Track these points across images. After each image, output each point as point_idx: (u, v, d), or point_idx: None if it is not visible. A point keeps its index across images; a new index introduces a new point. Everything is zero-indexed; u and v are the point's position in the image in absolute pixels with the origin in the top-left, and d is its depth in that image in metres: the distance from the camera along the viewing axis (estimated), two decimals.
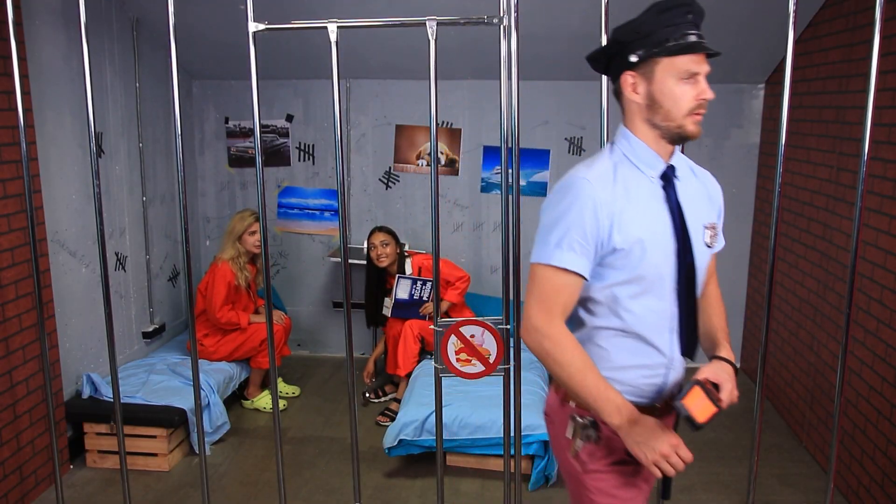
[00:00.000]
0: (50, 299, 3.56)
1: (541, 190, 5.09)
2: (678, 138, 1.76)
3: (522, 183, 5.07)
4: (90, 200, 3.88)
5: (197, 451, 3.85)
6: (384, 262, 4.50)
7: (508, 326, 2.31)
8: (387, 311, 4.57)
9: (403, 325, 4.44)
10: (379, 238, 4.50)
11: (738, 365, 5.28)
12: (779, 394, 4.42)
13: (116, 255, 4.26)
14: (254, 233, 4.32)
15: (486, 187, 5.14)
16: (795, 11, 1.95)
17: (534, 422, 3.56)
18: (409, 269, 4.55)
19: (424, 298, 4.46)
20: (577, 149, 5.03)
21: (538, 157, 5.06)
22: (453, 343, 2.31)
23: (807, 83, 4.11)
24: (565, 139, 5.03)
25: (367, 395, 4.64)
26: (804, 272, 4.09)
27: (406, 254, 4.62)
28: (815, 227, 3.96)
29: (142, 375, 4.12)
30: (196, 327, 4.31)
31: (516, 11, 2.08)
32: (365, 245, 4.59)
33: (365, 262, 4.86)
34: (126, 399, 3.79)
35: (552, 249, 1.66)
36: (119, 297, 4.30)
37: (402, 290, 4.46)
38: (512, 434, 2.41)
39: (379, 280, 4.64)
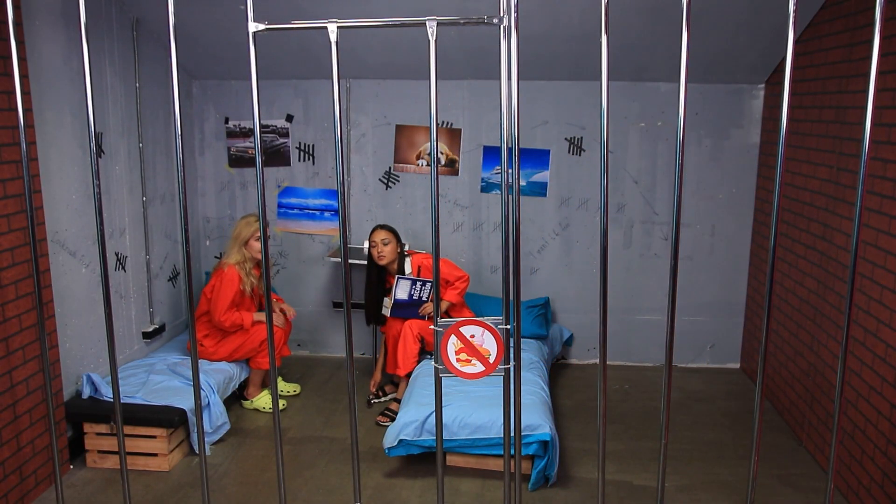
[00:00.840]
0: (50, 299, 3.56)
1: (541, 190, 5.09)
2: None
3: (522, 183, 5.06)
4: (90, 200, 3.88)
5: (197, 451, 3.85)
6: (384, 261, 4.49)
7: (508, 326, 2.31)
8: (386, 311, 4.56)
9: (403, 325, 4.44)
10: (380, 236, 4.49)
11: (738, 365, 5.30)
12: (779, 394, 4.42)
13: (116, 255, 4.26)
14: (259, 238, 4.30)
15: (486, 187, 5.13)
16: (795, 11, 1.94)
17: (534, 422, 3.56)
18: (408, 269, 4.55)
19: (424, 299, 4.46)
20: (577, 149, 5.03)
21: (538, 157, 5.06)
22: (453, 343, 2.31)
23: (807, 83, 4.11)
24: (565, 139, 5.03)
25: (371, 399, 4.64)
26: (804, 272, 4.09)
27: (406, 253, 4.62)
28: (815, 227, 3.96)
29: (142, 375, 4.12)
30: (196, 328, 4.32)
31: (516, 11, 2.07)
32: (366, 244, 4.59)
33: (365, 262, 4.87)
34: (126, 399, 3.79)
35: None
36: (119, 297, 4.30)
37: (401, 291, 4.46)
38: (512, 434, 2.41)
39: (379, 278, 4.64)
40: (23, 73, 2.73)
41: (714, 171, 4.99)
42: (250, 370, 4.49)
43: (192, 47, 4.61)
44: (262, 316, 4.38)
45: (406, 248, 4.78)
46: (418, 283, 4.44)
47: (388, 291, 4.58)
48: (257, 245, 4.31)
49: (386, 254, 4.47)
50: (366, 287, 4.70)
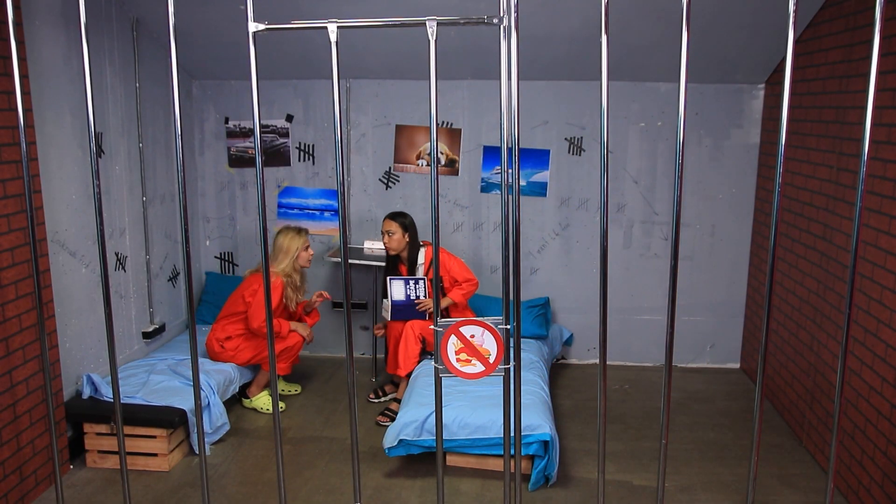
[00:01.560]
0: (50, 299, 3.56)
1: (541, 190, 5.09)
2: None
3: (522, 183, 5.06)
4: (90, 200, 3.88)
5: (197, 451, 3.85)
6: (392, 251, 4.51)
7: (508, 326, 2.31)
8: (386, 315, 4.54)
9: (405, 325, 4.44)
10: (386, 226, 4.50)
11: (738, 365, 5.29)
12: (779, 394, 4.42)
13: (116, 255, 4.26)
14: (307, 247, 4.42)
15: (486, 187, 5.13)
16: (795, 11, 1.95)
17: (534, 422, 3.56)
18: (421, 259, 4.54)
19: (421, 296, 4.45)
20: (577, 149, 5.03)
21: (538, 157, 5.06)
22: (453, 343, 2.31)
23: (807, 83, 4.11)
24: (565, 139, 5.03)
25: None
26: (804, 272, 4.09)
27: (421, 243, 4.59)
28: (815, 227, 3.96)
29: (142, 375, 4.12)
30: (221, 328, 4.35)
31: (516, 11, 2.07)
32: (367, 244, 4.60)
33: (365, 262, 4.87)
34: (126, 399, 3.79)
35: None
36: (119, 297, 4.30)
37: (396, 292, 4.45)
38: (512, 434, 2.41)
39: (393, 266, 4.63)
40: (23, 73, 2.73)
41: (714, 171, 4.99)
42: (258, 371, 4.50)
43: (192, 47, 4.61)
44: (297, 325, 4.47)
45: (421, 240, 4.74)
46: (412, 282, 4.43)
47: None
48: (306, 255, 4.42)
49: (392, 245, 4.49)
50: (384, 272, 4.71)
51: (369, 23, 2.31)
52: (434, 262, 2.26)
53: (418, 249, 4.55)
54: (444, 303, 4.43)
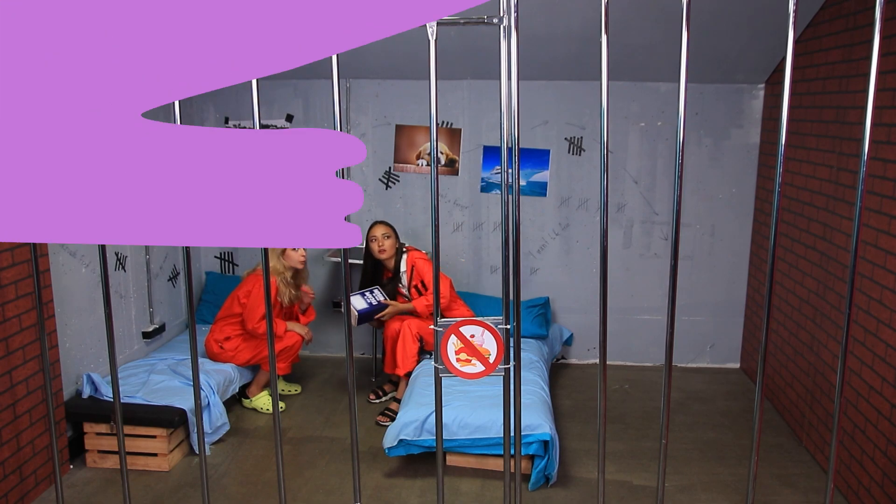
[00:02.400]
0: (50, 299, 3.56)
1: (541, 190, 5.09)
2: None
3: (522, 183, 5.06)
4: None
5: (197, 451, 3.85)
6: (385, 255, 4.51)
7: (508, 326, 2.31)
8: (354, 321, 4.52)
9: (402, 324, 4.44)
10: (381, 231, 4.51)
11: (738, 365, 5.29)
12: (779, 394, 4.42)
13: (116, 255, 4.26)
14: (296, 248, 4.36)
15: (486, 187, 5.13)
16: (795, 11, 1.94)
17: (534, 422, 3.57)
18: (403, 266, 4.56)
19: (381, 300, 4.49)
20: (577, 149, 5.03)
21: (538, 157, 5.06)
22: (453, 343, 2.30)
23: (807, 83, 4.11)
24: (565, 139, 5.03)
25: (370, 395, 4.65)
26: (804, 272, 4.09)
27: (403, 249, 4.62)
28: (815, 227, 3.96)
29: (142, 375, 4.12)
30: (219, 329, 4.35)
31: (516, 11, 2.07)
32: (363, 243, 4.60)
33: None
34: (126, 399, 3.79)
35: None
36: (119, 297, 4.30)
37: (358, 304, 4.48)
38: (512, 434, 2.41)
39: (375, 272, 4.65)
40: None
41: (714, 171, 4.99)
42: (258, 371, 4.50)
43: None
44: (294, 325, 4.46)
45: (405, 245, 4.78)
46: (367, 293, 4.48)
47: (384, 284, 4.60)
48: (295, 255, 4.36)
49: (387, 247, 4.50)
50: (361, 281, 4.70)
51: None
52: (434, 263, 2.26)
53: (401, 255, 4.57)
54: (409, 306, 4.48)
